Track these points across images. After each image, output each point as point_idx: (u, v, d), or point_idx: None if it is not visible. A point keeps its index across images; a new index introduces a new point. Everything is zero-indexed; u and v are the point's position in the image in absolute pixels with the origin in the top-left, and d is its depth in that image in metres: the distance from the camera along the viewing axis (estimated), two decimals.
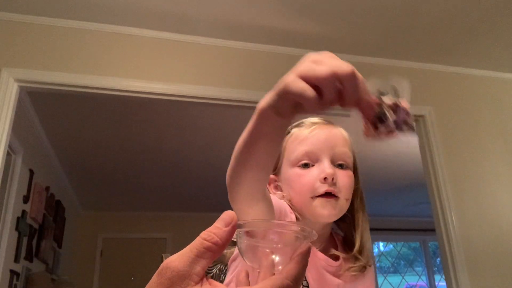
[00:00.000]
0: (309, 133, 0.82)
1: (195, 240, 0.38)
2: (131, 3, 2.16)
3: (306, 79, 0.48)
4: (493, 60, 2.78)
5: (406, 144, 3.91)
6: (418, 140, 2.70)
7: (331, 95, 0.48)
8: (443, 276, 2.50)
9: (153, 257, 3.31)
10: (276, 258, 0.43)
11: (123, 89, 2.24)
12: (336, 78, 0.47)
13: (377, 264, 6.89)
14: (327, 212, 0.77)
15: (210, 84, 2.36)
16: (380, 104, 0.50)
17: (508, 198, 2.59)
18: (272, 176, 0.85)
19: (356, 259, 0.82)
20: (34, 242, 3.43)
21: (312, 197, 0.77)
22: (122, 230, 5.76)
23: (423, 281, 6.93)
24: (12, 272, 2.92)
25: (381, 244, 7.18)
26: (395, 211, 6.33)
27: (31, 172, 3.21)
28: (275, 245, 0.44)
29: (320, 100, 0.48)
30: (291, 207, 0.80)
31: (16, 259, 2.99)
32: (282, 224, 0.48)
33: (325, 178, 0.77)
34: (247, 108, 2.42)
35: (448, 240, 2.38)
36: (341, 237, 0.89)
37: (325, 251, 0.83)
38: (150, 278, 0.41)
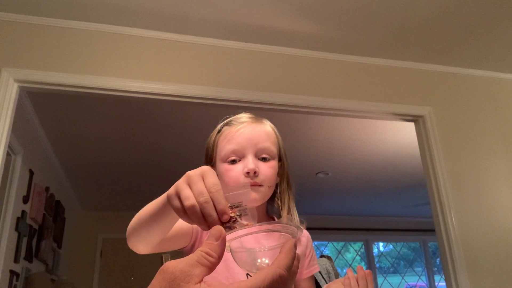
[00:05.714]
0: (236, 132, 0.95)
1: (195, 252, 0.42)
2: (131, 3, 2.16)
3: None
4: (493, 60, 2.78)
5: (406, 144, 3.92)
6: (417, 140, 2.70)
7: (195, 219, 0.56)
8: (443, 276, 2.50)
9: (153, 257, 3.29)
10: (266, 261, 0.47)
11: (122, 89, 2.23)
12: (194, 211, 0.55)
13: (377, 265, 6.89)
14: (252, 199, 0.90)
15: (209, 84, 2.36)
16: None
17: (508, 198, 2.59)
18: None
19: None
20: (34, 242, 3.42)
21: None
22: (122, 230, 5.61)
23: (423, 281, 6.93)
24: (12, 272, 2.92)
25: (381, 244, 7.18)
26: (395, 211, 6.33)
27: (31, 172, 3.21)
28: (264, 248, 0.48)
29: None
30: None
31: (16, 260, 2.99)
32: (267, 227, 0.51)
33: (247, 173, 0.90)
34: (247, 108, 2.43)
35: (448, 240, 2.38)
36: (277, 215, 1.03)
37: None
38: (150, 278, 0.42)
